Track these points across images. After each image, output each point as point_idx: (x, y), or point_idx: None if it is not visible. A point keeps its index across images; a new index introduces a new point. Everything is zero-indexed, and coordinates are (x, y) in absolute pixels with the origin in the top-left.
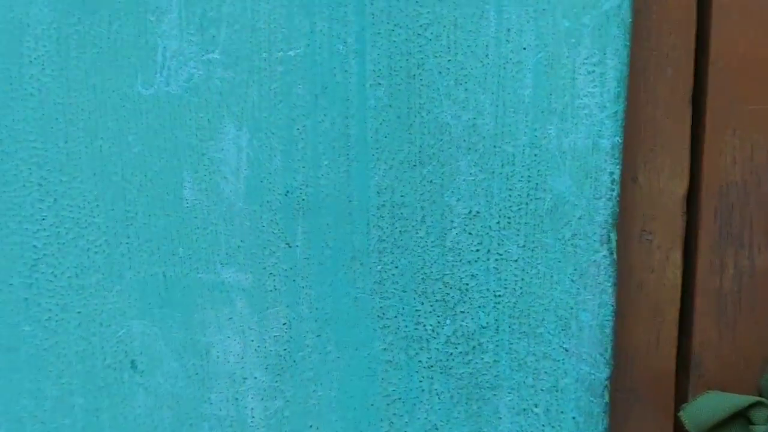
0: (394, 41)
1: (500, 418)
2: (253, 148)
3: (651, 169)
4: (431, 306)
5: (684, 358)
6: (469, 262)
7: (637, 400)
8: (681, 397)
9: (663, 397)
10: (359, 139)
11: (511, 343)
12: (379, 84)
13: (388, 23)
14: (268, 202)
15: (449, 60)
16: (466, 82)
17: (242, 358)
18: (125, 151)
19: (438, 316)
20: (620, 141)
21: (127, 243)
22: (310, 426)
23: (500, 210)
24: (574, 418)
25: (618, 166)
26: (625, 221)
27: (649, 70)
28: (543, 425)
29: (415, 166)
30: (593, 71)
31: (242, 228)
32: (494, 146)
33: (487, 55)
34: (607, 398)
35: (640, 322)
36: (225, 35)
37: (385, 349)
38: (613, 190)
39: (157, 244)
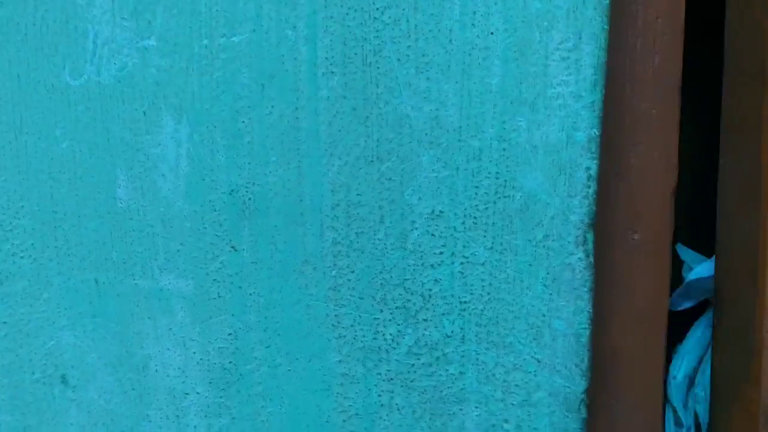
0: (349, 26)
1: None
2: (193, 143)
3: (637, 163)
4: (391, 314)
5: (750, 412)
6: (432, 266)
7: (623, 410)
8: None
9: (651, 405)
10: (311, 132)
11: (479, 354)
12: (332, 73)
13: (341, 6)
14: (210, 201)
15: (409, 46)
16: (427, 71)
17: (183, 371)
18: (53, 146)
19: (398, 325)
20: (597, 133)
21: (55, 247)
22: None
23: (466, 209)
24: None
25: (595, 161)
26: (609, 219)
27: (634, 58)
28: None
29: (372, 162)
30: (567, 57)
31: (182, 230)
32: (459, 140)
33: (450, 41)
34: (584, 413)
35: (625, 327)
36: (162, 20)
37: (340, 360)
38: (589, 187)
39: (89, 248)
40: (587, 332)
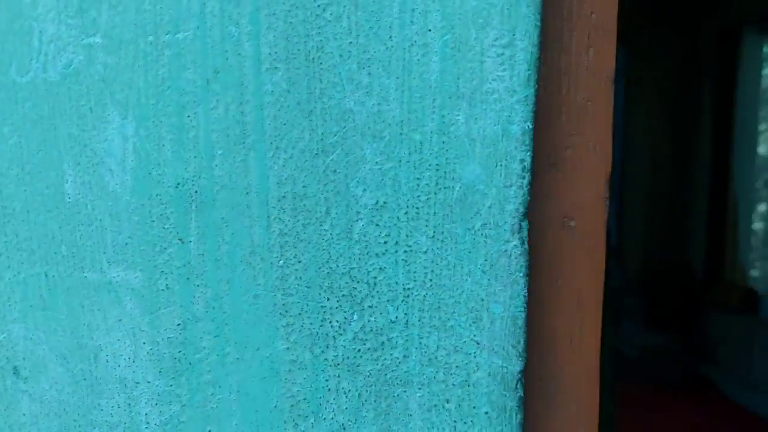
0: (291, 22)
1: (410, 415)
2: (140, 138)
3: (572, 154)
4: (337, 302)
5: None
6: (376, 254)
7: (559, 389)
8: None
9: (587, 387)
10: (256, 126)
11: (421, 338)
12: (276, 68)
13: (284, 3)
14: (157, 195)
15: (351, 42)
16: (369, 66)
17: (133, 361)
18: (0, 143)
19: (345, 312)
20: (531, 127)
21: (5, 241)
22: (210, 431)
23: (408, 200)
24: (486, 412)
25: (529, 153)
26: (545, 208)
27: (569, 52)
28: (455, 421)
29: (317, 155)
30: (502, 54)
31: (130, 223)
32: (401, 133)
33: (390, 37)
34: (520, 392)
35: (562, 312)
36: (107, 17)
37: (288, 348)
38: (523, 177)
39: (38, 242)
40: (523, 315)
